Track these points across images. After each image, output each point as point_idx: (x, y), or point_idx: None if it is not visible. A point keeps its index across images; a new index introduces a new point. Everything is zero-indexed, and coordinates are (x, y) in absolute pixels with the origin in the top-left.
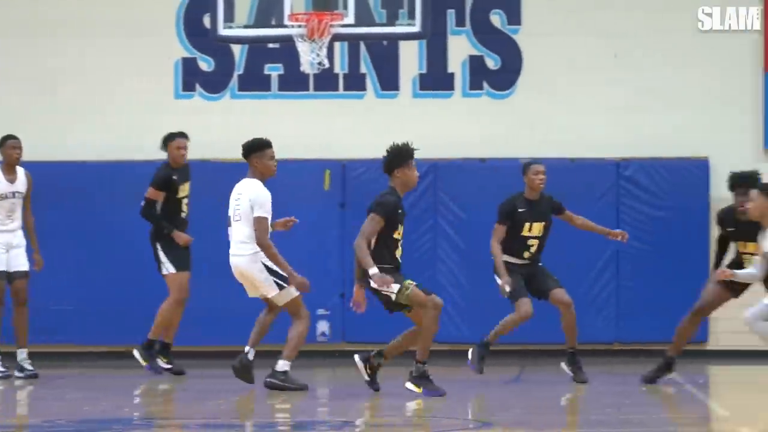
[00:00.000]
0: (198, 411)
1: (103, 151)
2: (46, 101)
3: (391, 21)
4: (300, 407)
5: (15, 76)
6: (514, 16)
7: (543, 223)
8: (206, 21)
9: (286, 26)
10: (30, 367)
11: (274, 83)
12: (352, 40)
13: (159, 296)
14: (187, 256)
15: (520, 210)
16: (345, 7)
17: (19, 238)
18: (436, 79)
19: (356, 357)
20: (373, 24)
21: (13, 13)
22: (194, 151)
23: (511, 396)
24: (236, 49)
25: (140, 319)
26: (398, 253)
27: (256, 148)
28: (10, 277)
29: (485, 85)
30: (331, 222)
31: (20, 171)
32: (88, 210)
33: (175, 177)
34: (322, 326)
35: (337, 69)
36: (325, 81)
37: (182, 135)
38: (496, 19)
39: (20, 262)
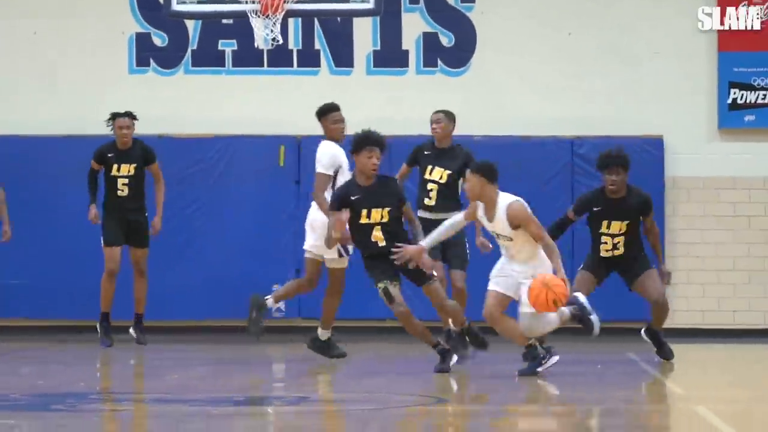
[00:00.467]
0: (154, 386)
1: (56, 126)
2: None
3: None
4: (256, 383)
5: None
6: None
7: (448, 171)
8: None
9: (239, 2)
10: None
11: (228, 59)
12: (306, 17)
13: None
14: (121, 231)
15: (425, 153)
16: None
17: None
18: (390, 56)
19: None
20: (327, 0)
21: None
22: (148, 127)
23: (468, 372)
24: (190, 25)
25: (96, 293)
26: (376, 237)
27: (323, 111)
28: None
29: (439, 62)
30: (286, 198)
31: None
32: (39, 184)
33: (110, 155)
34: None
35: (291, 45)
36: (280, 57)
37: (126, 114)
38: None
39: None
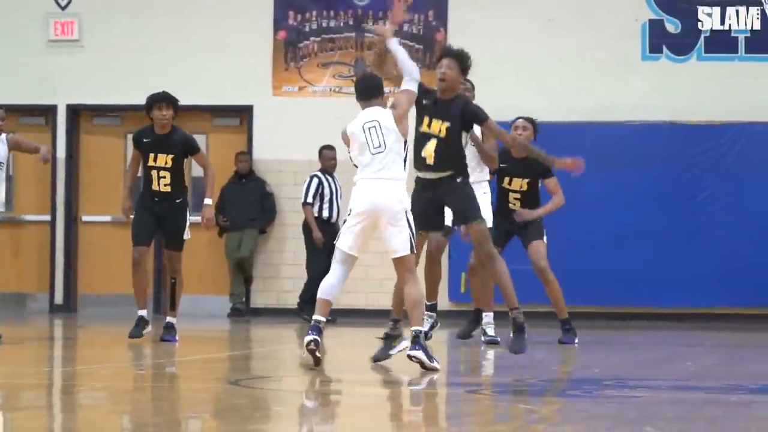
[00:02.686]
0: (668, 372)
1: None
2: None
3: None
4: None
5: None
6: None
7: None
8: None
9: None
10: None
11: (741, 45)
12: None
13: None
14: None
15: None
16: None
17: None
18: None
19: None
20: None
21: None
22: (658, 114)
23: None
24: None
25: None
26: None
27: None
28: None
29: None
30: None
31: None
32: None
33: None
34: None
35: None
36: None
37: None
38: None
39: None
